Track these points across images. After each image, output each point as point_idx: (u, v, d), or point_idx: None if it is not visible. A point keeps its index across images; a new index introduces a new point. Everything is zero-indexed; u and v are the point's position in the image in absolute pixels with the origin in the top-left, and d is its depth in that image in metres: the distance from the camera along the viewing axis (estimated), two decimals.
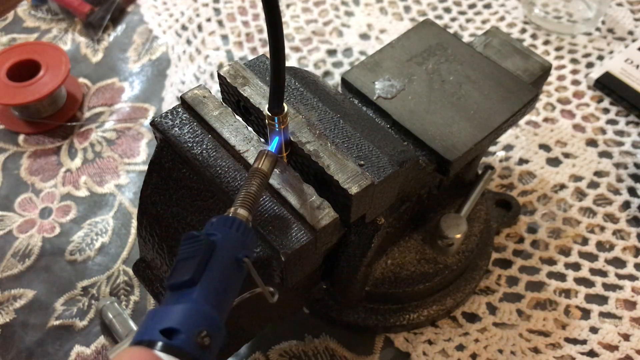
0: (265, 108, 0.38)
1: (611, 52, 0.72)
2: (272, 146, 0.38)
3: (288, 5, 0.80)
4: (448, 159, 0.45)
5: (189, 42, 0.76)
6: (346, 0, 0.80)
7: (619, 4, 0.77)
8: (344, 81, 0.50)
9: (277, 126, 0.38)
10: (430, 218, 0.53)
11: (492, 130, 0.47)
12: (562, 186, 0.62)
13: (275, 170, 0.39)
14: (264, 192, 0.37)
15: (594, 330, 0.53)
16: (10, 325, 0.55)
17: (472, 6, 0.78)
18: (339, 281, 0.47)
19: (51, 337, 0.54)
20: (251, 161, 0.40)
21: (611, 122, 0.67)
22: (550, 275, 0.56)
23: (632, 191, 0.61)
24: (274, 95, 0.36)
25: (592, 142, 0.65)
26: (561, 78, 0.70)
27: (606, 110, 0.68)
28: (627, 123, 0.66)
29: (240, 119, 0.43)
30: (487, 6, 0.78)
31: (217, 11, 0.79)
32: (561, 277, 0.56)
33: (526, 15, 0.76)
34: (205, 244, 0.31)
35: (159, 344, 0.27)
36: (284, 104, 0.37)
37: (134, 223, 0.61)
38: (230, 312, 0.31)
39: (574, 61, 0.72)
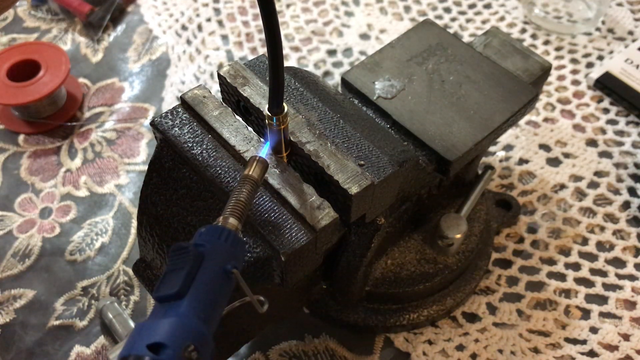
0: (265, 108, 0.38)
1: (611, 52, 0.72)
2: (263, 152, 0.38)
3: (288, 5, 0.80)
4: (448, 159, 0.45)
5: (189, 42, 0.76)
6: (346, 0, 0.80)
7: (619, 4, 0.77)
8: (344, 81, 0.50)
9: (276, 126, 0.38)
10: (430, 218, 0.53)
11: (492, 130, 0.47)
12: (562, 186, 0.62)
13: (275, 170, 0.39)
14: (257, 194, 0.37)
15: (594, 330, 0.53)
16: (10, 325, 0.55)
17: (472, 6, 0.78)
18: (339, 281, 0.47)
19: (51, 337, 0.54)
20: None
21: (611, 122, 0.67)
22: (550, 275, 0.56)
23: (632, 191, 0.61)
24: (273, 95, 0.36)
25: (592, 142, 0.65)
26: (561, 78, 0.71)
27: (606, 110, 0.68)
28: (627, 123, 0.66)
29: (240, 119, 0.43)
30: (487, 6, 0.78)
31: (217, 11, 0.79)
32: (561, 277, 0.56)
33: (526, 15, 0.76)
34: (193, 255, 0.30)
35: (146, 359, 0.27)
36: (284, 104, 0.37)
37: (134, 223, 0.61)
38: (219, 323, 0.31)
39: (574, 61, 0.72)
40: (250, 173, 0.35)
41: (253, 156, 0.36)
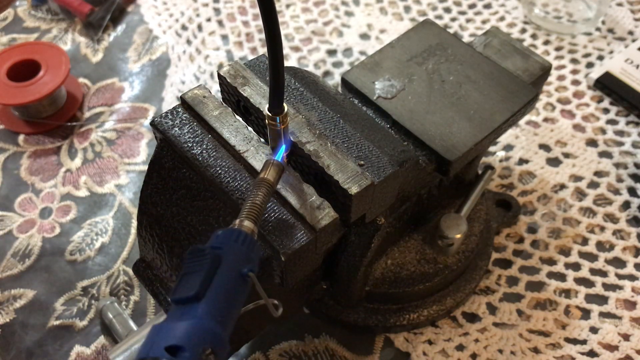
0: (265, 108, 0.38)
1: (611, 52, 0.72)
2: (279, 155, 0.38)
3: (288, 6, 0.80)
4: (448, 159, 0.45)
5: (189, 42, 0.76)
6: (346, 0, 0.80)
7: (619, 4, 0.77)
8: (344, 81, 0.50)
9: (277, 126, 0.38)
10: (430, 218, 0.53)
11: (492, 130, 0.47)
12: (562, 186, 0.62)
13: None
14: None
15: (594, 330, 0.53)
16: (10, 325, 0.55)
17: (472, 6, 0.78)
18: (339, 281, 0.47)
19: (51, 337, 0.54)
20: (251, 161, 0.40)
21: (611, 122, 0.67)
22: (550, 275, 0.56)
23: (632, 191, 0.61)
24: (273, 95, 0.36)
25: (592, 142, 0.65)
26: (561, 78, 0.70)
27: (606, 110, 0.68)
28: (627, 123, 0.66)
29: (240, 119, 0.43)
30: (487, 6, 0.78)
31: (217, 11, 0.79)
32: (561, 277, 0.56)
33: (526, 15, 0.76)
34: (210, 258, 0.30)
35: None
36: (284, 104, 0.37)
37: (134, 223, 0.61)
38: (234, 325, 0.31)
39: (574, 61, 0.72)
40: (266, 176, 0.35)
41: (268, 159, 0.36)
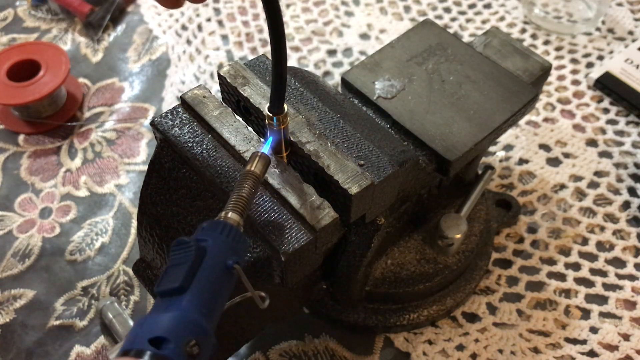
0: (265, 108, 0.38)
1: (611, 52, 0.72)
2: (266, 148, 0.38)
3: (288, 5, 0.80)
4: (448, 159, 0.45)
5: (189, 42, 0.76)
6: (346, 0, 0.80)
7: (619, 4, 0.77)
8: (344, 81, 0.50)
9: (276, 126, 0.38)
10: (430, 218, 0.53)
11: (492, 130, 0.47)
12: (562, 186, 0.62)
13: (275, 170, 0.39)
14: (257, 194, 0.37)
15: (594, 330, 0.53)
16: (10, 325, 0.55)
17: (472, 6, 0.78)
18: (339, 281, 0.47)
19: (51, 337, 0.54)
20: None
21: (611, 122, 0.67)
22: (550, 275, 0.56)
23: (632, 191, 0.61)
24: (275, 95, 0.36)
25: (592, 142, 0.65)
26: (561, 78, 0.70)
27: (606, 110, 0.68)
28: (627, 123, 0.66)
29: (240, 119, 0.43)
30: (487, 6, 0.78)
31: (217, 11, 0.79)
32: (561, 277, 0.56)
33: (526, 15, 0.76)
34: (195, 250, 0.30)
35: (148, 353, 0.26)
36: (284, 104, 0.37)
37: (134, 223, 0.61)
38: (220, 318, 0.31)
39: (574, 61, 0.72)
40: (252, 169, 0.35)
41: (255, 152, 0.36)
